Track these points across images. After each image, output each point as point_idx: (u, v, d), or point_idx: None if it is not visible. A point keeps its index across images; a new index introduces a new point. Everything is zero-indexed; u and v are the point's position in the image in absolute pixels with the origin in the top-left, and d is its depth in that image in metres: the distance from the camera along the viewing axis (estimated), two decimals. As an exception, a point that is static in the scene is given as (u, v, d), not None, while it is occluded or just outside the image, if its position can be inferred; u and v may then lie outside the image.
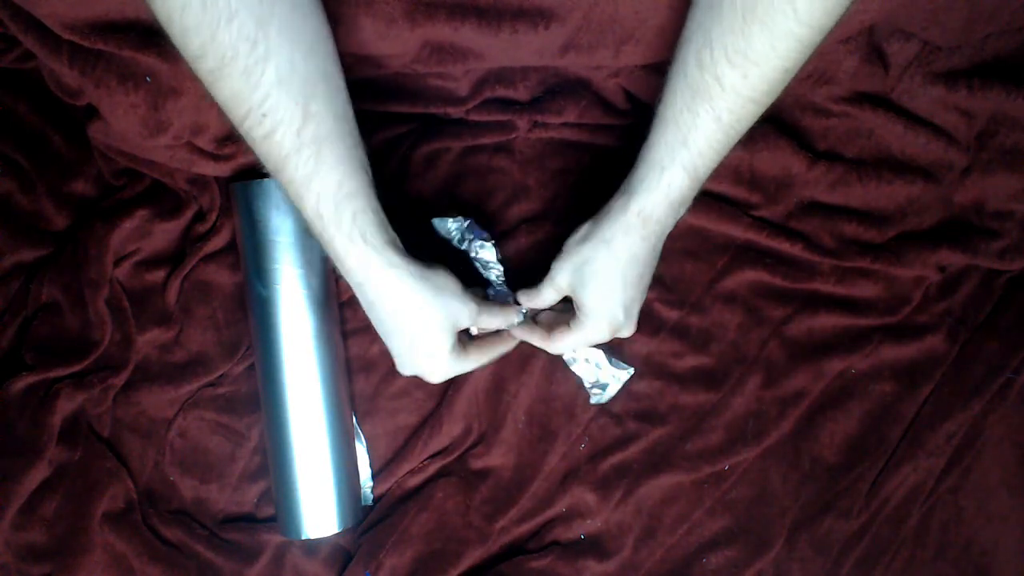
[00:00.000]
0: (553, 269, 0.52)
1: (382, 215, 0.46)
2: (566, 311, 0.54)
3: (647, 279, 0.51)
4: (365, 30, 0.49)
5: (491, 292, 0.58)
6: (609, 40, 0.52)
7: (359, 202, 0.44)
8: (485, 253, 0.57)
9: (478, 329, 0.55)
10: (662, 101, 0.46)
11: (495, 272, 0.58)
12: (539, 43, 0.51)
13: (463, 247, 0.58)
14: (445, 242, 0.59)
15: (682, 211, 0.48)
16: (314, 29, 0.42)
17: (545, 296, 0.53)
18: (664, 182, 0.46)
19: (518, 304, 0.55)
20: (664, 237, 0.49)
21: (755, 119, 0.44)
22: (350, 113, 0.45)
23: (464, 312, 0.49)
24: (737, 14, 0.39)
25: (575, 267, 0.50)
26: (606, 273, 0.49)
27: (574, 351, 0.58)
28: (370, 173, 0.46)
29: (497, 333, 0.55)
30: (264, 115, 0.40)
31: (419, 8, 0.49)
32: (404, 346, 0.49)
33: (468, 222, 0.58)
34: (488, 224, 0.60)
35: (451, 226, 0.58)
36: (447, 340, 0.49)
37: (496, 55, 0.53)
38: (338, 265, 0.46)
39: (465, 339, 0.53)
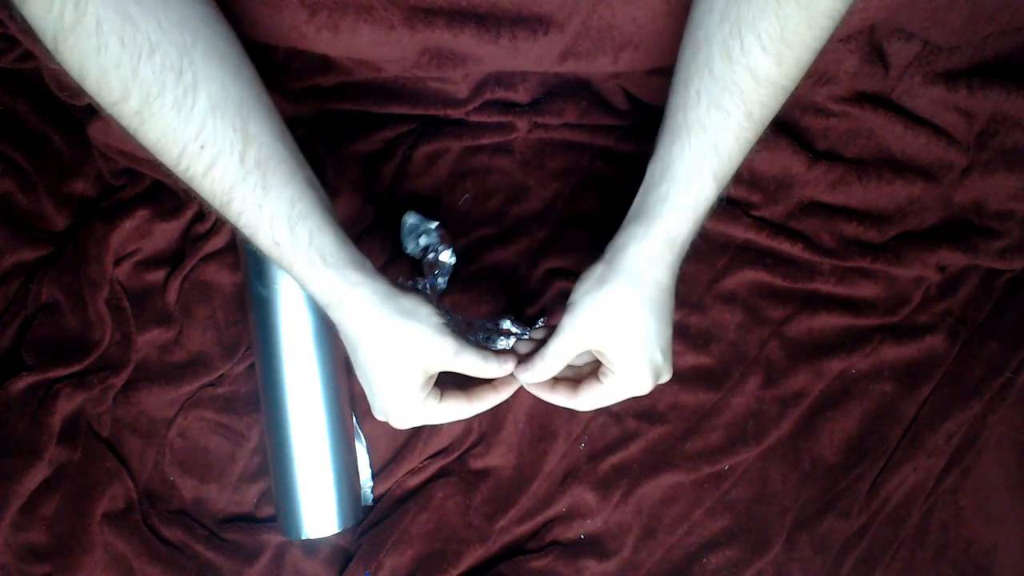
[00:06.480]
0: (565, 327, 0.44)
1: (341, 234, 0.43)
2: (584, 359, 0.48)
3: (673, 307, 0.44)
4: (364, 36, 0.49)
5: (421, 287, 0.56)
6: (608, 47, 0.51)
7: (314, 220, 0.41)
8: (444, 256, 0.55)
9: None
10: (679, 108, 0.42)
11: (441, 279, 0.56)
12: (538, 50, 0.51)
13: (419, 246, 0.56)
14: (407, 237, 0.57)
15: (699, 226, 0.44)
16: (238, 52, 0.41)
17: (554, 363, 0.45)
18: (692, 196, 0.41)
19: (501, 351, 0.47)
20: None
21: (777, 110, 0.41)
22: (287, 134, 0.43)
23: (439, 348, 0.43)
24: None
25: (596, 318, 0.43)
26: (637, 316, 0.42)
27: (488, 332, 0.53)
28: (322, 192, 0.43)
29: (488, 382, 0.48)
30: (202, 147, 0.38)
31: (418, 15, 0.49)
32: (372, 381, 0.44)
33: (441, 230, 0.56)
34: (488, 223, 0.60)
35: (420, 228, 0.56)
36: (417, 377, 0.43)
37: (495, 61, 0.53)
38: (306, 291, 0.43)
39: (446, 385, 0.47)
